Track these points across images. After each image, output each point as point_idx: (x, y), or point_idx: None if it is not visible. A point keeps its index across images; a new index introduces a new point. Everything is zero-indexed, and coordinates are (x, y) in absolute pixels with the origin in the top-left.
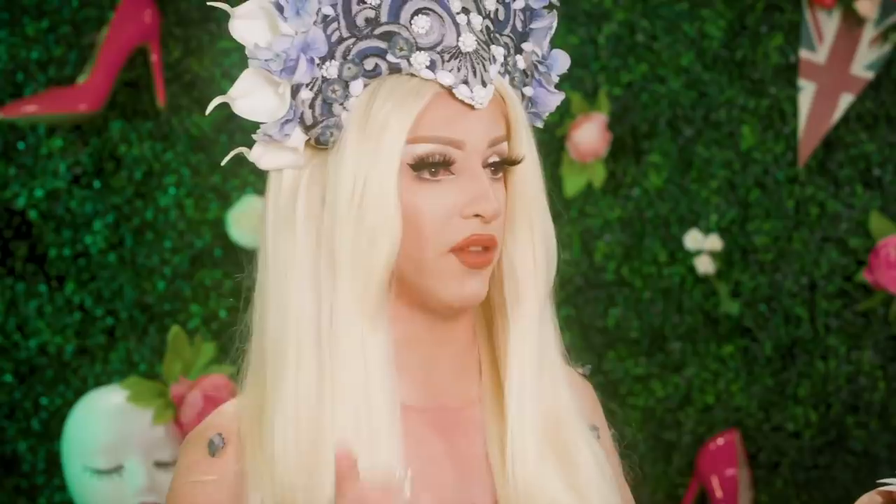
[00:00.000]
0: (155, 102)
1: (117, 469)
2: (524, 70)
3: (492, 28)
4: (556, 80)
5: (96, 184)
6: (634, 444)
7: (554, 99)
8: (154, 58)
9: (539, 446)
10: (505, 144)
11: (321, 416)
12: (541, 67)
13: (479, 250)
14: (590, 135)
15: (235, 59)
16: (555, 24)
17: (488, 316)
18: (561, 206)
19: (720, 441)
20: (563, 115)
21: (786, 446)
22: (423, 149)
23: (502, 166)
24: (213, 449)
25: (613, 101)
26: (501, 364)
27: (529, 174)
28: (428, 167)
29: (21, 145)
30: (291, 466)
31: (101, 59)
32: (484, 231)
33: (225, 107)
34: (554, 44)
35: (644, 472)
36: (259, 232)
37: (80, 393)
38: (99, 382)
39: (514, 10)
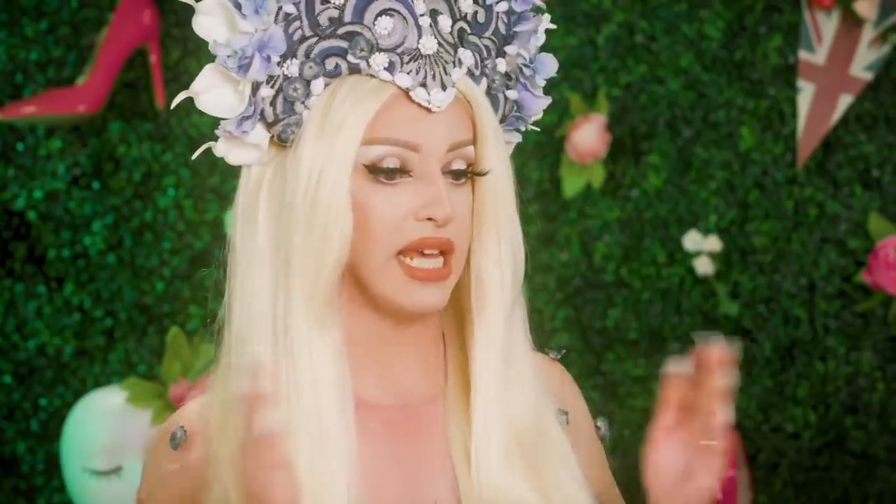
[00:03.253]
0: (154, 103)
1: (116, 470)
2: (507, 73)
3: (467, 31)
4: (542, 83)
5: (95, 185)
6: (633, 445)
7: (540, 103)
8: (153, 59)
9: (503, 449)
10: (470, 148)
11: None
12: (526, 71)
13: (434, 261)
14: (589, 136)
15: None
16: (542, 27)
17: (460, 316)
18: (560, 207)
19: None
20: (562, 116)
21: (785, 447)
22: (377, 150)
23: (466, 174)
24: (176, 442)
25: (612, 102)
26: (470, 366)
27: (498, 180)
28: (383, 171)
29: (20, 146)
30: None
31: (101, 60)
32: (437, 235)
33: None
34: (552, 45)
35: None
36: (230, 229)
37: (79, 394)
38: (98, 383)
39: (497, 13)
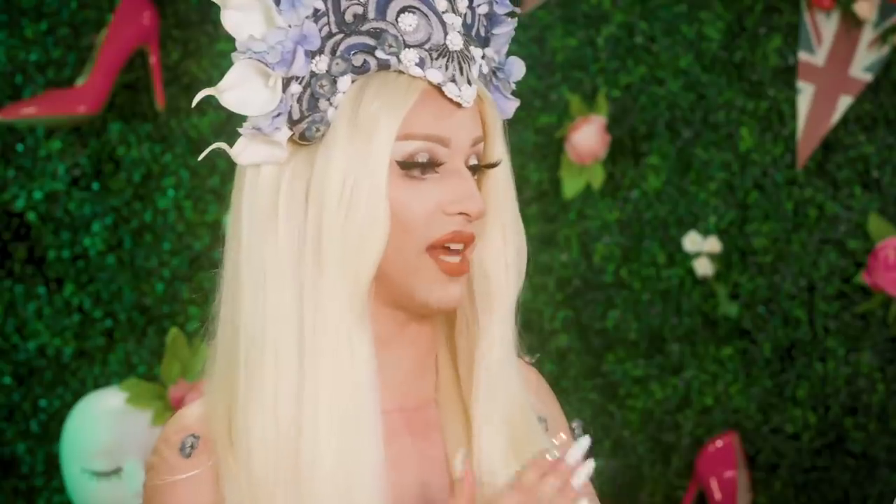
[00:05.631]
0: (154, 104)
1: (116, 471)
2: (485, 75)
3: (461, 31)
4: (512, 86)
5: (95, 186)
6: (633, 446)
7: (510, 105)
8: (153, 60)
9: (504, 447)
10: (482, 145)
11: (301, 416)
12: (499, 74)
13: (459, 251)
14: (589, 137)
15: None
16: (513, 31)
17: (450, 318)
18: (559, 208)
19: (719, 443)
20: (562, 117)
21: (784, 448)
22: (411, 146)
23: (478, 169)
24: (187, 451)
25: (612, 103)
26: (462, 364)
27: (501, 176)
28: (416, 166)
29: (20, 147)
30: (271, 466)
31: (100, 61)
32: (465, 229)
33: (223, 108)
34: (552, 46)
35: (643, 473)
36: (229, 229)
37: (78, 395)
38: (98, 384)
39: (478, 15)
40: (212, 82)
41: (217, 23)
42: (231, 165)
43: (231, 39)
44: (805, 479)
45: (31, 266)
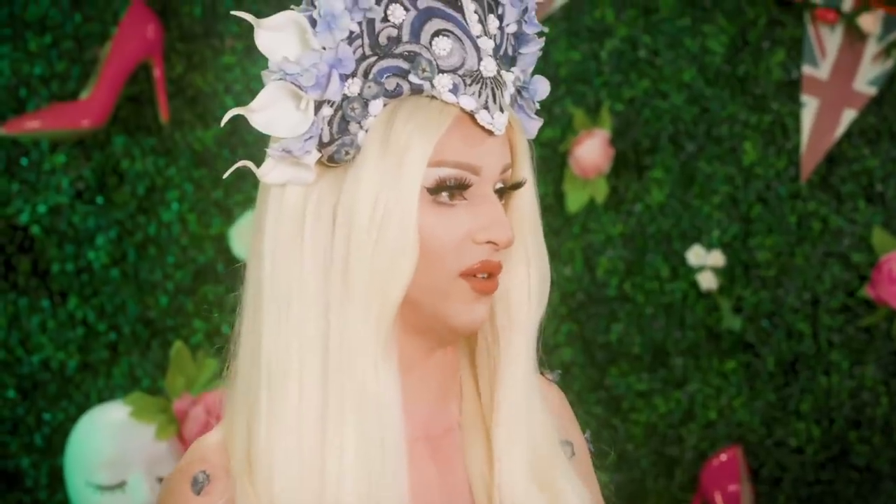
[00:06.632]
0: (158, 118)
1: (120, 485)
2: (511, 95)
3: (493, 56)
4: (537, 106)
5: (99, 199)
6: (637, 460)
7: (533, 125)
8: (157, 73)
9: (526, 472)
10: (510, 171)
11: (325, 442)
12: (524, 93)
13: (486, 276)
14: (592, 150)
15: (238, 74)
16: (540, 51)
17: (471, 340)
18: (563, 221)
19: (723, 457)
20: (566, 130)
21: (788, 462)
22: (442, 172)
23: (504, 191)
24: (198, 487)
25: (616, 117)
26: (485, 389)
27: (527, 200)
28: (446, 190)
29: (24, 161)
30: (293, 493)
31: (104, 74)
32: (493, 258)
33: (227, 122)
34: (555, 59)
35: (647, 487)
36: (252, 250)
37: (82, 408)
38: (102, 398)
39: (507, 35)
40: (216, 95)
41: (221, 36)
42: (235, 178)
43: (235, 53)
44: (809, 492)
45: (35, 279)
